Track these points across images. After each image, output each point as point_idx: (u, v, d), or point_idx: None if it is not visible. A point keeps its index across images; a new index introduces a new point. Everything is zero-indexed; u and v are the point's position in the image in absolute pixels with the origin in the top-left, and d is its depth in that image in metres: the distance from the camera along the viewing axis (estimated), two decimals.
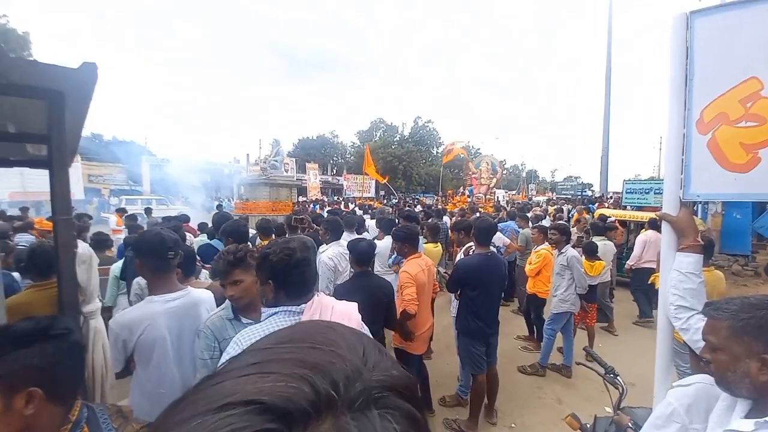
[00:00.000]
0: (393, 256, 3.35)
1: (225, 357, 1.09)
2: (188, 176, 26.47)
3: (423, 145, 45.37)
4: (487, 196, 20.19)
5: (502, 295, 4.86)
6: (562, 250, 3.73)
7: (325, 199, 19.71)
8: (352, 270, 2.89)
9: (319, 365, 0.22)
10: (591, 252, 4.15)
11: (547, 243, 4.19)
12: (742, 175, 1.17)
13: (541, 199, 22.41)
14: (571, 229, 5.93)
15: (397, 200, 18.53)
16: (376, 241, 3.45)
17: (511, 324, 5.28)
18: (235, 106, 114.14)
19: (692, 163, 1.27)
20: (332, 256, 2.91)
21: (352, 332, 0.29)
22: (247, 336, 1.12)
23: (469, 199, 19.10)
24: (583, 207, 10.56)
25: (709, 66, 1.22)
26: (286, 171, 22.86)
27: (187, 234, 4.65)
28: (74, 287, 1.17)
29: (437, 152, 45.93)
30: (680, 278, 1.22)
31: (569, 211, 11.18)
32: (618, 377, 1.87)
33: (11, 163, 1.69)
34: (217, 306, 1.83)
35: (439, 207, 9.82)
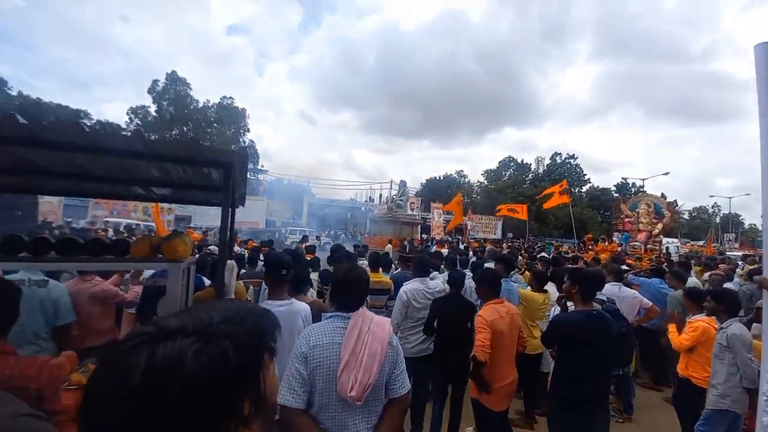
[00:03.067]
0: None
1: (297, 343, 1.53)
2: (334, 213, 31.66)
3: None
4: (649, 246, 16.14)
5: (625, 368, 3.87)
6: (722, 325, 2.81)
7: (449, 239, 19.74)
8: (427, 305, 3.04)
9: (194, 316, 0.48)
10: None
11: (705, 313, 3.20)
12: None
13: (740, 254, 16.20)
14: None
15: (520, 242, 16.97)
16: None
17: (660, 415, 4.07)
18: (378, 150, 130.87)
19: None
20: (408, 290, 3.07)
21: (241, 307, 0.53)
22: (310, 330, 1.56)
23: (620, 248, 15.73)
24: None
25: None
26: (411, 210, 24.52)
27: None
28: (223, 285, 1.82)
29: (580, 192, 40.14)
30: None
31: None
32: None
33: (211, 204, 2.76)
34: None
35: (551, 255, 8.48)
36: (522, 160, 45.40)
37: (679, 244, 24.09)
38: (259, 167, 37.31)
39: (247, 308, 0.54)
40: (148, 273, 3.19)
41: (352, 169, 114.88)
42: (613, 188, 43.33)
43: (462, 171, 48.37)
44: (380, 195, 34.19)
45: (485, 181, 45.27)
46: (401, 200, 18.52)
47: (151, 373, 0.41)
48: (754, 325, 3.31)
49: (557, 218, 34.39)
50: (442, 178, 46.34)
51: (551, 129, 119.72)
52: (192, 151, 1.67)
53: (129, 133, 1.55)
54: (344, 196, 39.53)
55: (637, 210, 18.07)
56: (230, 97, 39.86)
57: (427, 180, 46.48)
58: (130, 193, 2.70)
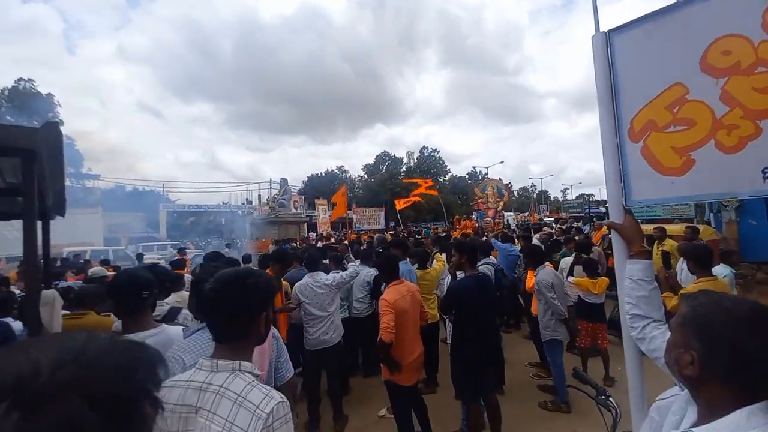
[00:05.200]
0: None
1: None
2: (202, 221, 27.44)
3: (430, 174, 46.04)
4: (496, 220, 19.98)
5: (505, 319, 4.67)
6: (535, 272, 3.64)
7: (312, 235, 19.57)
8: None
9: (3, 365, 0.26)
10: (591, 269, 4.00)
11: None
12: (678, 178, 1.18)
13: (552, 219, 22.06)
14: (596, 248, 5.74)
15: (401, 229, 18.52)
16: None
17: (521, 350, 5.03)
18: (250, 147, 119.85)
19: (630, 171, 1.28)
20: (296, 286, 3.29)
21: (90, 338, 0.30)
22: (180, 350, 1.40)
23: (477, 224, 18.94)
24: (600, 224, 10.16)
25: (633, 78, 1.28)
26: (295, 208, 23.48)
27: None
28: (37, 324, 1.23)
29: (444, 180, 46.44)
30: (632, 286, 1.20)
31: (581, 230, 10.68)
32: (610, 399, 1.75)
33: (8, 216, 1.84)
34: None
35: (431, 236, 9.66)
36: (394, 155, 49.34)
37: (513, 216, 30.74)
38: (86, 171, 28.83)
39: (101, 339, 0.31)
40: None
41: (223, 170, 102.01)
42: (467, 176, 51.83)
43: (342, 166, 49.25)
44: (259, 196, 31.49)
45: (365, 175, 47.27)
46: (284, 199, 17.49)
47: None
48: (576, 267, 4.44)
49: (429, 205, 38.86)
50: (323, 174, 46.02)
51: (414, 126, 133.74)
52: None
53: None
54: (215, 201, 34.70)
55: (486, 192, 22.08)
56: (30, 80, 29.24)
57: (308, 177, 45.37)
58: None
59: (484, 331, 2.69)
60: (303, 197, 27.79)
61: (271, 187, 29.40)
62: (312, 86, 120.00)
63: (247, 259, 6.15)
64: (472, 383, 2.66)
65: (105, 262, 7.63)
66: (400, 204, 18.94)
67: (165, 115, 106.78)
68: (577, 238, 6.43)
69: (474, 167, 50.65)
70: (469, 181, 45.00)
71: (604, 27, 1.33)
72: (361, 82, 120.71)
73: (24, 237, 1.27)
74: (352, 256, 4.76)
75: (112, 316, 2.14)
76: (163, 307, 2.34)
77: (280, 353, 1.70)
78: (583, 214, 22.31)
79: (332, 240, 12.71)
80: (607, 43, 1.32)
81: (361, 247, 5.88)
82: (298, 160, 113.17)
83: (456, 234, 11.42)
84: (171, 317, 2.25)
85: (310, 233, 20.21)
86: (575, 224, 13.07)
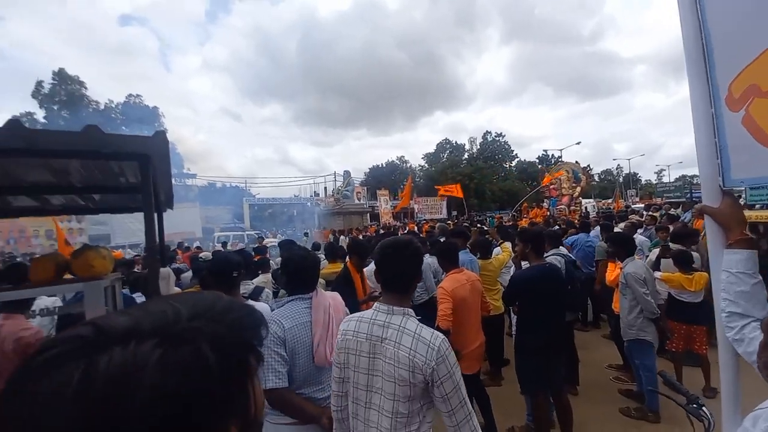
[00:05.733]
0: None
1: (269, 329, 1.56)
2: (278, 212, 30.24)
3: (494, 160, 43.62)
4: (572, 207, 18.17)
5: (580, 316, 4.27)
6: (622, 265, 3.19)
7: (395, 224, 20.09)
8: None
9: (151, 312, 0.35)
10: (684, 262, 3.43)
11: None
12: None
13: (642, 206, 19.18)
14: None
15: (464, 218, 17.97)
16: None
17: (601, 350, 4.60)
18: (315, 142, 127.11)
19: (728, 145, 1.09)
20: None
21: (216, 299, 0.40)
22: (279, 314, 1.62)
23: (548, 212, 17.47)
24: (696, 209, 8.45)
25: (729, 35, 1.08)
26: (358, 199, 24.40)
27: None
28: (157, 296, 1.55)
29: (510, 166, 43.62)
30: (731, 280, 1.03)
31: (676, 217, 9.11)
32: (703, 408, 1.54)
33: (129, 210, 2.34)
34: None
35: (496, 226, 9.10)
36: (456, 142, 47.75)
37: (594, 204, 27.56)
38: (185, 171, 33.84)
39: (225, 300, 0.40)
40: (47, 301, 2.63)
41: (292, 165, 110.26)
42: (536, 160, 47.86)
43: (403, 156, 49.39)
44: (325, 188, 33.38)
45: (426, 165, 46.74)
46: (347, 191, 18.32)
47: (89, 398, 0.27)
48: (663, 260, 3.87)
49: (493, 192, 36.96)
50: (384, 165, 46.72)
51: (476, 110, 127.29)
52: (95, 141, 1.36)
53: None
54: (287, 194, 37.88)
55: (559, 177, 20.16)
56: (138, 95, 35.35)
57: (370, 168, 46.52)
58: (9, 207, 2.16)
59: (549, 323, 2.55)
60: (365, 188, 28.67)
61: (335, 180, 30.95)
62: (370, 78, 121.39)
63: (316, 247, 6.64)
64: (536, 374, 2.55)
65: (199, 248, 9.16)
66: (441, 190, 18.51)
67: (243, 117, 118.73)
68: (670, 227, 5.57)
69: (545, 150, 46.68)
70: (540, 166, 41.50)
71: None
72: (419, 70, 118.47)
73: (145, 226, 1.58)
74: None
75: None
76: (249, 285, 2.71)
77: None
78: (683, 199, 18.94)
79: (392, 230, 12.95)
80: None
81: (420, 236, 5.88)
82: (360, 152, 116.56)
83: (523, 223, 10.74)
84: (255, 295, 2.61)
85: (372, 223, 20.85)
86: (670, 210, 11.22)
